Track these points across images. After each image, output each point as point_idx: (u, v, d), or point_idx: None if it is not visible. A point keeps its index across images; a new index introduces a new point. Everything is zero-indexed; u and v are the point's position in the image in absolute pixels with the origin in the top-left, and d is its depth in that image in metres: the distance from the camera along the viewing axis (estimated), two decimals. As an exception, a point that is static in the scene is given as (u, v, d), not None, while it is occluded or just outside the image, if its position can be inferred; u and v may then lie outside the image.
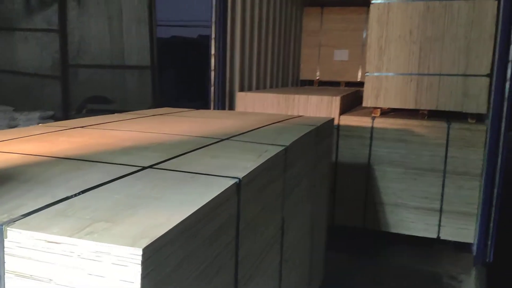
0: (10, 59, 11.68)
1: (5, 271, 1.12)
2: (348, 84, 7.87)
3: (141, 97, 11.33)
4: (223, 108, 5.42)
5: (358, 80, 7.67)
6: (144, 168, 1.77)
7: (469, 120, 4.72)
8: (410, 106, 4.87)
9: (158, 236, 1.09)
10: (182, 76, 14.74)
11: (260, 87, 6.47)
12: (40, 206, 1.28)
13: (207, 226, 1.39)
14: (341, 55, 7.91)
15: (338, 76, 7.99)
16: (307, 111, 5.03)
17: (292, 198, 2.54)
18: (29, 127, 2.83)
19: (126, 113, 3.56)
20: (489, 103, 4.51)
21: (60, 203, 1.32)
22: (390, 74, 4.90)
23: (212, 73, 5.34)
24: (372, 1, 4.91)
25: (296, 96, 5.14)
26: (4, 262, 1.12)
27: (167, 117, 3.43)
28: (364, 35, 7.54)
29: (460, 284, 4.22)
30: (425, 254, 4.76)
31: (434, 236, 4.84)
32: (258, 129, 2.91)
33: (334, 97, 5.00)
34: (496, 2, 4.45)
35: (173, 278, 1.20)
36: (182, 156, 2.01)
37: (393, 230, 4.96)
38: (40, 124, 2.92)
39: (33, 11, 11.51)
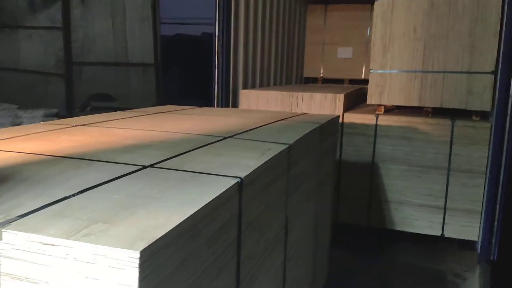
0: (14, 57, 11.70)
1: (1, 273, 1.10)
2: (352, 81, 7.85)
3: (145, 94, 11.33)
4: (227, 106, 5.41)
5: (362, 77, 7.65)
6: (144, 167, 1.75)
7: (474, 118, 4.70)
8: (414, 103, 4.86)
9: (157, 238, 1.07)
10: (186, 74, 14.73)
11: (264, 84, 6.45)
12: (37, 207, 1.26)
13: (208, 227, 1.37)
14: (345, 52, 7.88)
15: (342, 74, 7.97)
16: (311, 109, 5.02)
17: (296, 197, 2.52)
18: (30, 125, 2.82)
19: (129, 111, 3.55)
20: (493, 100, 4.49)
21: (58, 203, 1.30)
22: (394, 71, 4.89)
23: (216, 71, 5.34)
24: (376, -2, 4.90)
25: (300, 93, 5.12)
26: None
27: (170, 115, 3.41)
28: (368, 33, 7.52)
29: (464, 282, 4.21)
30: (429, 252, 4.75)
31: (438, 233, 4.82)
32: (262, 127, 2.88)
33: (338, 95, 4.98)
34: (501, -2, 4.43)
35: (172, 281, 1.18)
36: (184, 154, 1.98)
37: (397, 228, 4.95)
38: (41, 122, 2.91)
39: (37, 9, 11.52)
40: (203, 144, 2.20)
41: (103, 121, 2.92)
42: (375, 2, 4.91)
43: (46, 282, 1.08)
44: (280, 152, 2.12)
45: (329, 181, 3.63)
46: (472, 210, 4.68)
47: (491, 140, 4.46)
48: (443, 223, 4.79)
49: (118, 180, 1.57)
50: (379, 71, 4.93)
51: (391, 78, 4.90)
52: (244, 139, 2.44)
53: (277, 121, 3.18)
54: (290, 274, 2.50)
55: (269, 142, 2.33)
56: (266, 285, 2.08)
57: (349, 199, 5.05)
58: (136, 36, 11.41)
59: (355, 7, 7.77)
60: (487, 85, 4.54)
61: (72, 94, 11.56)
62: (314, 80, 8.34)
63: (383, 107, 4.99)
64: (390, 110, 5.15)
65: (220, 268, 1.51)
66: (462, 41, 4.61)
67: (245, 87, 5.75)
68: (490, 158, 4.46)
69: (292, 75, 7.79)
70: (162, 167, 1.77)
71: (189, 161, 1.89)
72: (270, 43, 6.59)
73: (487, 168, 4.54)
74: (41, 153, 1.93)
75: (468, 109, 4.68)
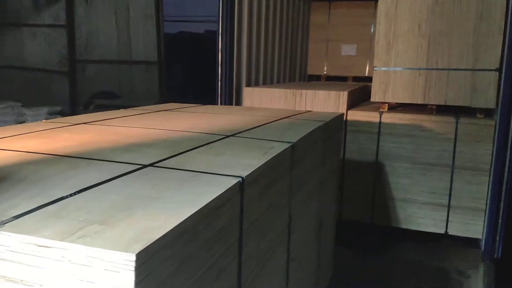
0: (18, 54, 11.70)
1: (-4, 275, 1.09)
2: (356, 79, 7.83)
3: (148, 92, 11.32)
4: (230, 103, 5.40)
5: (366, 75, 7.63)
6: (144, 166, 1.73)
7: (478, 115, 4.68)
8: (418, 101, 4.83)
9: (154, 240, 1.05)
10: (189, 72, 14.72)
11: (267, 82, 6.44)
12: (33, 207, 1.24)
13: (207, 228, 1.34)
14: (348, 49, 7.86)
15: (345, 71, 7.95)
16: (315, 106, 5.00)
17: (300, 196, 2.50)
18: (31, 123, 2.81)
19: (131, 108, 3.53)
20: (497, 97, 4.47)
21: (54, 204, 1.28)
22: (398, 68, 4.87)
23: (219, 68, 5.32)
24: (380, -5, 4.88)
25: (304, 91, 5.10)
26: None
27: (173, 113, 3.40)
28: (372, 30, 7.49)
29: (468, 280, 4.19)
30: (433, 250, 4.73)
31: (442, 231, 4.81)
32: (265, 125, 2.86)
33: (341, 92, 4.96)
34: (506, -5, 4.40)
35: (170, 283, 1.16)
36: (185, 153, 1.96)
37: (401, 226, 4.93)
38: (43, 120, 2.90)
39: (41, 7, 11.52)
40: (204, 143, 2.18)
41: (105, 119, 2.90)
42: (379, -1, 4.90)
43: (41, 285, 1.06)
44: (282, 150, 2.09)
45: (333, 180, 3.59)
46: (476, 208, 4.67)
47: (496, 137, 4.44)
48: (447, 221, 4.78)
49: (117, 179, 1.55)
50: (383, 69, 4.92)
51: (395, 76, 4.88)
52: (246, 137, 2.41)
53: (281, 119, 3.15)
54: (293, 274, 2.47)
55: (272, 140, 2.31)
56: (268, 285, 2.05)
57: (352, 197, 5.04)
58: (139, 34, 11.40)
59: (359, 4, 7.75)
60: (491, 83, 4.52)
61: (76, 92, 11.57)
62: (317, 78, 8.32)
63: (387, 104, 4.97)
64: (394, 107, 5.13)
65: (220, 269, 1.48)
66: (466, 38, 4.58)
67: (248, 84, 5.73)
68: (494, 155, 4.44)
69: (295, 72, 7.78)
70: (162, 166, 1.75)
71: (190, 160, 1.87)
72: (273, 40, 6.57)
73: (491, 165, 4.51)
74: (41, 152, 1.92)
75: (472, 106, 4.66)
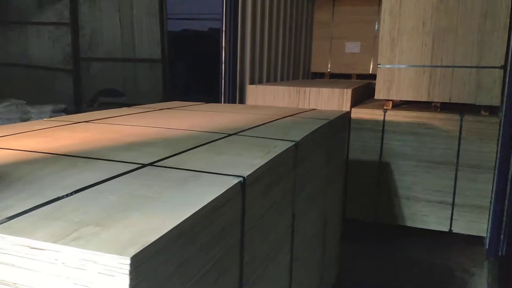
0: (23, 52, 11.73)
1: (-12, 278, 1.06)
2: (360, 76, 7.81)
3: (152, 90, 11.33)
4: (234, 101, 5.39)
5: (370, 72, 7.61)
6: (144, 165, 1.70)
7: (482, 113, 4.66)
8: (423, 98, 4.82)
9: (150, 243, 1.01)
10: (192, 69, 14.73)
11: (271, 79, 6.43)
12: (27, 208, 1.21)
13: (207, 229, 1.31)
14: (352, 47, 7.84)
15: (349, 69, 7.93)
16: (318, 104, 4.99)
17: (304, 195, 2.47)
18: (33, 122, 2.79)
19: (134, 107, 3.52)
20: (502, 95, 4.45)
21: (50, 205, 1.25)
22: (403, 66, 4.85)
23: (223, 66, 5.32)
24: (384, -8, 4.86)
25: (307, 88, 5.09)
26: None
27: (175, 111, 3.38)
28: (376, 27, 7.47)
29: (473, 278, 4.18)
30: (437, 247, 4.72)
31: (446, 229, 4.79)
32: (268, 124, 2.83)
33: (345, 90, 4.95)
34: (510, -7, 4.38)
35: (167, 287, 1.14)
36: (186, 152, 1.93)
37: (405, 224, 4.92)
38: (45, 119, 2.90)
39: (45, 5, 11.54)
40: (206, 141, 2.15)
41: (107, 118, 2.87)
42: (384, -4, 4.88)
43: None
44: (286, 149, 2.06)
45: (338, 178, 3.56)
46: (481, 206, 4.65)
47: (500, 135, 4.42)
48: (451, 219, 4.76)
49: (115, 179, 1.51)
50: (387, 66, 4.90)
51: (400, 73, 4.86)
52: (249, 136, 2.38)
53: (285, 117, 3.12)
54: (297, 274, 2.44)
55: (275, 139, 2.27)
56: (271, 286, 2.03)
57: (356, 194, 5.02)
58: (143, 31, 11.41)
59: (363, 1, 7.72)
60: (496, 80, 4.50)
61: (80, 89, 11.59)
62: (321, 75, 8.31)
63: (391, 102, 4.95)
64: (398, 105, 5.11)
65: (221, 271, 1.45)
66: (471, 35, 4.56)
67: (252, 82, 5.73)
68: (498, 153, 4.42)
69: (299, 70, 7.76)
70: (162, 165, 1.71)
71: (191, 159, 1.84)
72: (277, 38, 6.56)
73: (495, 163, 4.50)
74: (40, 150, 1.89)
75: (477, 104, 4.64)
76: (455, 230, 4.78)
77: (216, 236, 1.39)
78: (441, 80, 4.71)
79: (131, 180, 1.53)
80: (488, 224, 4.61)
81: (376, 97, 5.01)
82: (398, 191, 4.89)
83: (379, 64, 4.94)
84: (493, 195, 4.50)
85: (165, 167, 1.70)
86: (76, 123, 2.66)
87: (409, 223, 4.91)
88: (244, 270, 1.65)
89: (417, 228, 4.89)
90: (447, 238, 4.81)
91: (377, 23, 7.41)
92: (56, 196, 1.31)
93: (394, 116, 4.83)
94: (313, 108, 4.84)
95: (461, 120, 4.61)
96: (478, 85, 4.57)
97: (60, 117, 2.97)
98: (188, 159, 1.83)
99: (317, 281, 3.08)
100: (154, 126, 2.60)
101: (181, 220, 1.15)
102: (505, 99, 4.32)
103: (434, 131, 4.70)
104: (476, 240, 4.76)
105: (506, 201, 4.34)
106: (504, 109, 4.31)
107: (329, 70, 8.10)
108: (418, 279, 4.13)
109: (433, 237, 4.83)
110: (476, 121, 4.58)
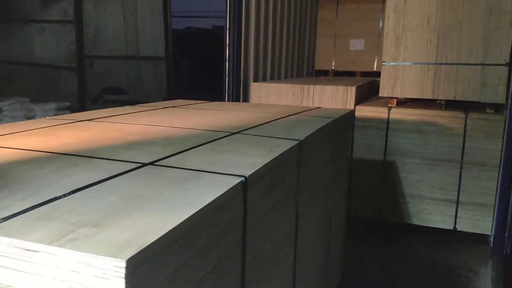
0: (27, 50, 11.73)
1: (-18, 281, 1.03)
2: (364, 74, 7.79)
3: (156, 88, 11.32)
4: (238, 99, 5.38)
5: (374, 70, 7.59)
6: (144, 164, 1.67)
7: (487, 110, 4.65)
8: (428, 96, 4.80)
9: (146, 245, 0.98)
10: (196, 67, 14.71)
11: (275, 77, 6.42)
12: (24, 208, 1.18)
13: (207, 230, 1.28)
14: (357, 44, 7.82)
15: (353, 66, 7.92)
16: (322, 102, 4.98)
17: (307, 194, 2.44)
18: (35, 120, 2.79)
19: (138, 105, 3.51)
20: (507, 92, 4.43)
21: (47, 205, 1.21)
22: (407, 63, 4.83)
23: (227, 64, 5.31)
24: (389, -11, 4.85)
25: (311, 86, 5.08)
26: None
27: (179, 110, 3.37)
28: (381, 24, 7.45)
29: (477, 276, 4.16)
30: (442, 245, 4.70)
31: (451, 227, 4.79)
32: (272, 122, 2.80)
33: (349, 87, 4.93)
34: (516, -11, 4.36)
35: None
36: (188, 151, 1.91)
37: (409, 222, 4.91)
38: (47, 117, 2.89)
39: (49, 3, 11.54)
40: (208, 140, 2.12)
41: (109, 116, 2.86)
42: (388, -7, 4.87)
43: None
44: (289, 148, 2.03)
45: (343, 177, 3.53)
46: (485, 204, 4.64)
47: (505, 133, 4.40)
48: (456, 217, 4.75)
49: (114, 178, 1.49)
50: (392, 63, 4.88)
51: (404, 70, 4.85)
52: (252, 134, 2.36)
53: (289, 115, 3.10)
54: (301, 274, 2.41)
55: (279, 138, 2.24)
56: (274, 287, 2.01)
57: (360, 193, 5.01)
58: (147, 29, 11.40)
59: (367, -2, 7.71)
60: (501, 77, 4.48)
61: (84, 87, 11.59)
62: (325, 73, 8.29)
63: (395, 99, 4.94)
64: (403, 102, 5.10)
65: (221, 273, 1.42)
66: (476, 32, 4.55)
67: (256, 80, 5.72)
68: (503, 151, 4.41)
69: (303, 67, 7.75)
70: (163, 164, 1.69)
71: (192, 158, 1.81)
72: (281, 35, 6.55)
73: (500, 161, 4.48)
74: (40, 149, 1.87)
75: (482, 101, 4.63)
76: (459, 228, 4.77)
77: (216, 237, 1.36)
78: (446, 77, 4.69)
79: (131, 179, 1.50)
80: (492, 222, 4.59)
81: (380, 94, 5.00)
82: (403, 189, 4.87)
83: (384, 62, 4.93)
84: (498, 193, 4.48)
85: (166, 166, 1.67)
86: (78, 121, 2.64)
87: (414, 221, 4.90)
88: (246, 271, 1.63)
89: (421, 226, 4.88)
90: (452, 236, 4.80)
91: (381, 20, 7.39)
92: (54, 196, 1.29)
93: (399, 113, 4.82)
94: (318, 106, 4.82)
95: (466, 117, 4.59)
96: (483, 82, 4.55)
97: (62, 115, 2.95)
98: (190, 158, 1.80)
99: (322, 281, 3.06)
100: (157, 125, 2.57)
101: (181, 221, 1.13)
102: (510, 96, 4.30)
103: (438, 129, 4.69)
104: (480, 238, 4.75)
105: (511, 199, 4.32)
106: (509, 106, 4.30)
107: (333, 67, 8.08)
108: (423, 278, 4.11)
109: (437, 235, 4.81)
110: (481, 119, 4.57)
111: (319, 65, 8.26)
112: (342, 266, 3.77)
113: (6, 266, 1.01)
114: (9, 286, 1.02)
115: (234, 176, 1.54)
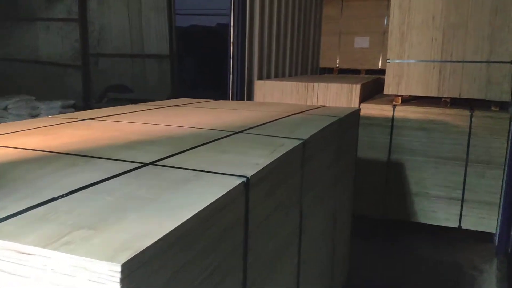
0: (32, 48, 11.74)
1: (-25, 285, 1.01)
2: (369, 71, 7.79)
3: (160, 86, 11.33)
4: (242, 96, 5.37)
5: (379, 67, 7.58)
6: (145, 164, 1.65)
7: (493, 108, 4.63)
8: (433, 94, 4.78)
9: (143, 248, 0.96)
10: (201, 65, 14.72)
11: (279, 75, 6.41)
12: (20, 209, 1.16)
13: (207, 232, 1.26)
14: (361, 42, 7.80)
15: (358, 64, 7.90)
16: (327, 100, 4.96)
17: (312, 194, 2.41)
18: (37, 119, 2.77)
19: (141, 104, 3.50)
20: (513, 91, 4.41)
21: (43, 206, 1.20)
22: (412, 61, 4.81)
23: (231, 61, 5.30)
24: (394, -13, 4.82)
25: (315, 84, 5.07)
26: None
27: (182, 109, 3.35)
28: (386, 22, 7.42)
29: (481, 274, 4.15)
30: (446, 244, 4.69)
31: (456, 225, 4.77)
32: (276, 121, 2.78)
33: (354, 85, 4.92)
34: (521, -13, 4.34)
35: None
36: (189, 151, 1.88)
37: (414, 220, 4.90)
38: (49, 116, 2.88)
39: (54, 1, 11.55)
40: (211, 140, 2.09)
41: (112, 115, 2.84)
42: (393, -9, 4.84)
43: None
44: (293, 148, 2.00)
45: (348, 177, 3.50)
46: (490, 202, 4.63)
47: (510, 130, 4.39)
48: (461, 215, 4.74)
49: (113, 179, 1.46)
50: (397, 61, 4.86)
51: (409, 68, 4.83)
52: (255, 134, 2.33)
53: (293, 114, 3.08)
54: (305, 276, 2.39)
55: (282, 137, 2.21)
56: (277, 288, 2.00)
57: (365, 191, 4.99)
58: (151, 27, 11.40)
59: (372, -4, 7.69)
60: (506, 75, 4.46)
61: (89, 85, 11.59)
62: (330, 71, 8.28)
63: (400, 97, 4.92)
64: (408, 100, 5.08)
65: (222, 276, 1.39)
66: (481, 30, 4.52)
67: (260, 78, 5.70)
68: (509, 149, 4.39)
69: (307, 65, 7.73)
70: (164, 164, 1.66)
71: (193, 158, 1.78)
72: (285, 33, 6.53)
73: (505, 159, 4.46)
74: (40, 149, 1.85)
75: (487, 99, 4.61)
76: (464, 226, 4.75)
77: (217, 239, 1.34)
78: (451, 75, 4.67)
79: (130, 180, 1.48)
80: (497, 221, 4.58)
81: (385, 92, 4.98)
82: (407, 187, 4.86)
83: (388, 59, 4.91)
84: (503, 191, 4.47)
85: (167, 166, 1.65)
86: (80, 120, 2.63)
87: (418, 219, 4.88)
88: (248, 273, 1.60)
89: (426, 224, 4.87)
90: (456, 235, 4.79)
91: (386, 17, 7.37)
92: (51, 197, 1.26)
93: (403, 111, 4.80)
94: (322, 103, 4.81)
95: (471, 115, 4.57)
96: (488, 80, 4.53)
97: (66, 114, 2.94)
98: (191, 158, 1.78)
99: (327, 281, 3.04)
100: (160, 124, 2.55)
101: (180, 223, 1.10)
102: (515, 94, 4.28)
103: (443, 127, 4.67)
104: (485, 236, 4.73)
105: (516, 198, 4.31)
106: (514, 104, 4.28)
107: (337, 65, 8.07)
108: (428, 276, 4.10)
109: (442, 233, 4.80)
110: (486, 117, 4.55)
111: (323, 63, 8.25)
112: (347, 265, 3.75)
113: (1, 269, 0.99)
114: None
115: (235, 177, 1.51)
